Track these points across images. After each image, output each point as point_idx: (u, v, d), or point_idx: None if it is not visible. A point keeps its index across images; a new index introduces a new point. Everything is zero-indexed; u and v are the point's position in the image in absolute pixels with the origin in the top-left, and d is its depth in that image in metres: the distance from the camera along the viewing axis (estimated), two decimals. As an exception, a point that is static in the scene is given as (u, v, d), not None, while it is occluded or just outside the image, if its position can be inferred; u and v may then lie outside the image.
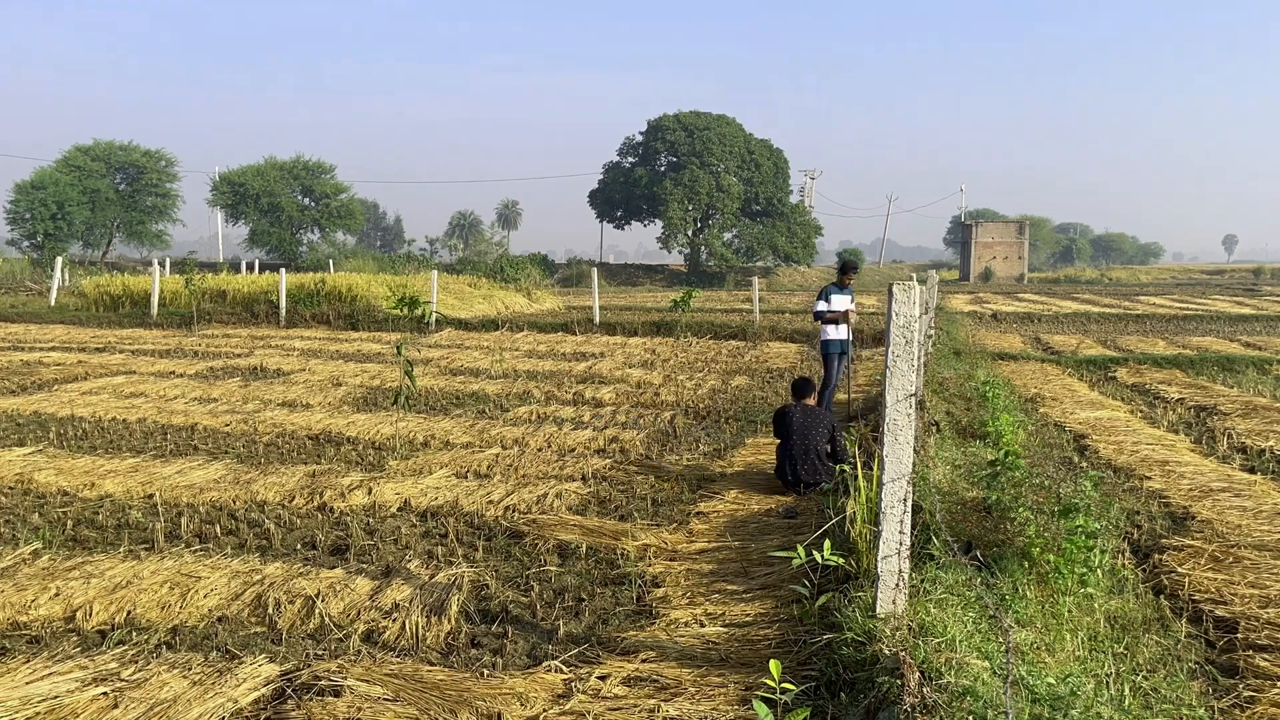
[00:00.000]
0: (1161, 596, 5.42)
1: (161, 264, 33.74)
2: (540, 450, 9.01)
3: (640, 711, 3.88)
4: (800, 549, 4.78)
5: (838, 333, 10.62)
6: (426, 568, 5.60)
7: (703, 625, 4.79)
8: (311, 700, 3.93)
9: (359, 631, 4.80)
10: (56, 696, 3.94)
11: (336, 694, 3.98)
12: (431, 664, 4.39)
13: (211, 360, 15.61)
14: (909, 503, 4.16)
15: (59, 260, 29.74)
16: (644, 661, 4.34)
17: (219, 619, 4.94)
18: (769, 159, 67.52)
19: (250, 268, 46.05)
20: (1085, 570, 4.98)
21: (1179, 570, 5.69)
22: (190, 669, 4.21)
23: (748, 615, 4.91)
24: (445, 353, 17.31)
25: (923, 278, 17.12)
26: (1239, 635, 4.81)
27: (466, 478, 7.88)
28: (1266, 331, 25.33)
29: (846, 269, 10.74)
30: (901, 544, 4.15)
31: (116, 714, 3.83)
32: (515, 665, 4.44)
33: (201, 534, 6.35)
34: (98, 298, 24.97)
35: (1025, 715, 3.28)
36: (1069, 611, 4.86)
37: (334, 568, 5.59)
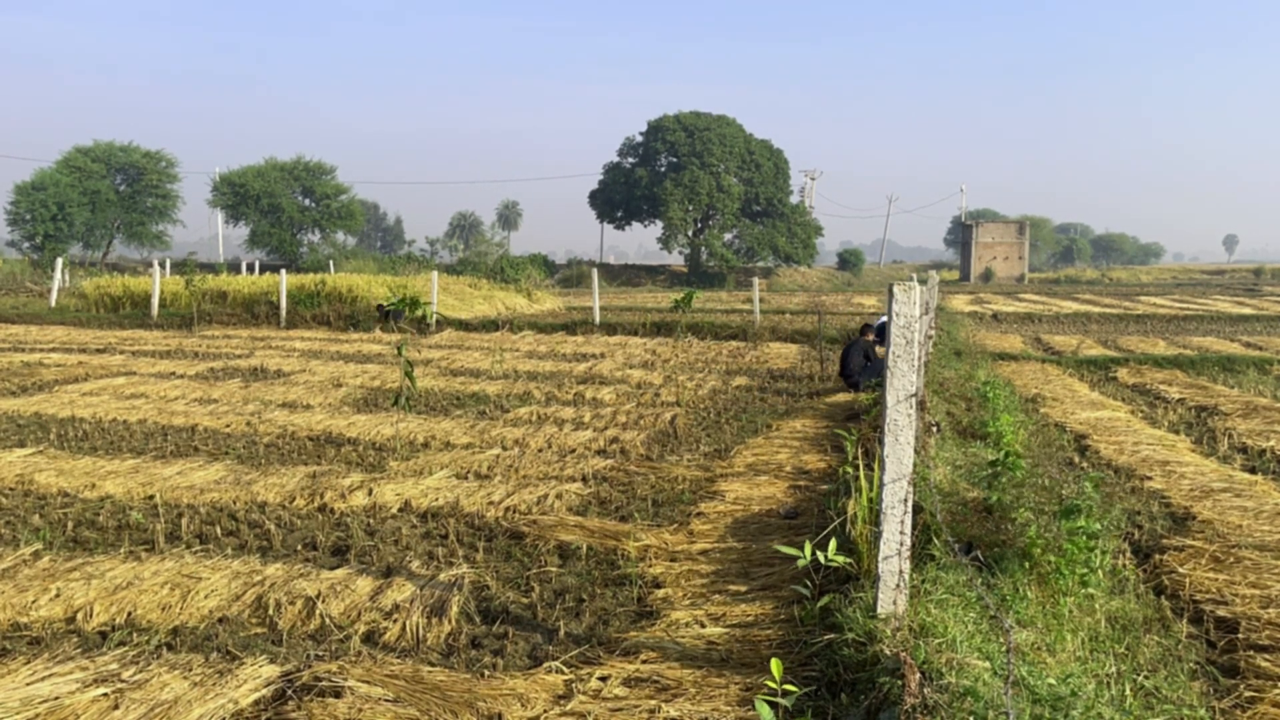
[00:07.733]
0: (1162, 597, 5.42)
1: (162, 265, 33.75)
2: (541, 451, 9.01)
3: (641, 712, 3.88)
4: (808, 545, 4.76)
5: None
6: (427, 568, 5.60)
7: (704, 626, 4.79)
8: (312, 701, 3.93)
9: (360, 632, 4.80)
10: (57, 697, 3.94)
11: (337, 695, 3.98)
12: (432, 665, 4.39)
13: (212, 361, 15.62)
14: (910, 503, 4.15)
15: (59, 261, 29.75)
16: (645, 662, 4.33)
17: (219, 620, 4.94)
18: (769, 159, 67.46)
19: (250, 269, 46.08)
20: (1086, 570, 4.97)
21: (1180, 570, 5.69)
22: (191, 670, 4.21)
23: (749, 616, 4.91)
24: (445, 353, 17.32)
25: (923, 278, 17.11)
26: (1240, 635, 4.81)
27: (467, 478, 7.88)
28: (1267, 331, 25.33)
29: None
30: (902, 544, 4.15)
31: (117, 715, 3.83)
32: (516, 666, 4.44)
33: (202, 535, 6.35)
34: (98, 299, 24.99)
35: (1026, 716, 3.27)
36: (1070, 612, 4.86)
37: (335, 568, 5.59)
